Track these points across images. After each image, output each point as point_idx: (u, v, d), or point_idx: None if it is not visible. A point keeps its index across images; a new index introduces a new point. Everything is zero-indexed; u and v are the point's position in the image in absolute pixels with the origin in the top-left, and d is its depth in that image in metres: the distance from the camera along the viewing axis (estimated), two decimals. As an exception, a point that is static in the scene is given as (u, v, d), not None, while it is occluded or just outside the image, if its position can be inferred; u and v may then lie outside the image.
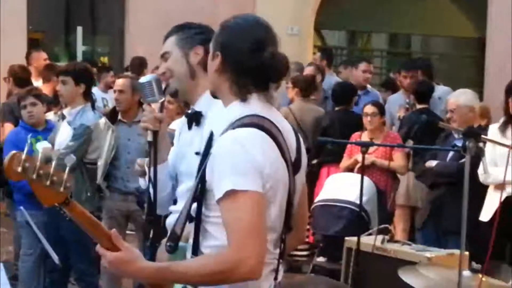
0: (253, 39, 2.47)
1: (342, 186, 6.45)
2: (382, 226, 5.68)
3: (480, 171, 5.21)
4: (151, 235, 3.09)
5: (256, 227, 2.28)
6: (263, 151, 2.33)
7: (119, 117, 6.05)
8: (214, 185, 2.34)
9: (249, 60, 2.45)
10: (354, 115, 7.61)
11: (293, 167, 2.48)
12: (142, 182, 3.34)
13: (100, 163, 5.78)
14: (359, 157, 6.24)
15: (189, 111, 3.21)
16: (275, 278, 2.48)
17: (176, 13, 9.83)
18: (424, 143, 6.59)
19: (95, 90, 8.22)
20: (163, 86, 3.23)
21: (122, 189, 5.94)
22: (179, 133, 3.29)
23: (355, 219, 5.88)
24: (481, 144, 4.32)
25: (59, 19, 13.68)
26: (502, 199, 4.84)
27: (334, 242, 6.05)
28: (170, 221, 3.05)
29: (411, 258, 4.91)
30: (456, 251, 4.68)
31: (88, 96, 5.85)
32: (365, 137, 6.89)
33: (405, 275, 3.87)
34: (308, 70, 8.88)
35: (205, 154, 2.47)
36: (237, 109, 2.45)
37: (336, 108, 7.82)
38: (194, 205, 2.45)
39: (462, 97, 6.15)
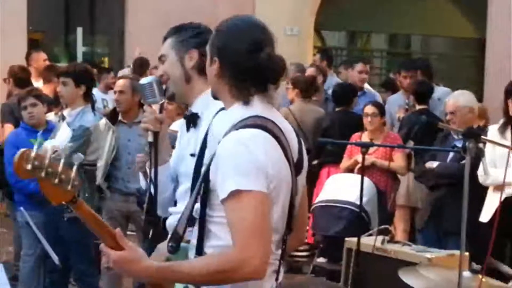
0: (250, 39, 2.47)
1: (342, 187, 6.45)
2: (382, 226, 5.66)
3: (480, 172, 5.21)
4: (150, 235, 3.09)
5: (260, 227, 2.28)
6: (266, 152, 2.34)
7: (120, 117, 6.06)
8: (218, 186, 2.34)
9: (247, 61, 2.45)
10: (354, 115, 7.59)
11: (295, 168, 2.48)
12: (143, 183, 3.33)
13: (101, 163, 5.78)
14: (359, 157, 6.23)
15: (187, 113, 3.22)
16: (276, 279, 2.48)
17: (175, 13, 9.81)
18: (424, 144, 6.58)
19: (95, 91, 8.19)
20: (164, 87, 3.24)
21: (123, 190, 5.94)
22: (180, 135, 3.30)
23: (355, 219, 5.88)
24: (481, 145, 4.31)
25: (59, 20, 13.69)
26: (502, 200, 4.84)
27: (334, 242, 6.05)
28: (170, 222, 3.04)
29: (411, 259, 4.91)
30: (456, 252, 4.67)
31: (88, 98, 5.84)
32: (365, 137, 6.88)
33: (405, 276, 3.87)
34: (310, 72, 8.84)
35: (201, 155, 2.47)
36: (239, 111, 2.45)
37: (337, 109, 7.82)
38: (196, 205, 2.45)
39: (461, 98, 6.14)
